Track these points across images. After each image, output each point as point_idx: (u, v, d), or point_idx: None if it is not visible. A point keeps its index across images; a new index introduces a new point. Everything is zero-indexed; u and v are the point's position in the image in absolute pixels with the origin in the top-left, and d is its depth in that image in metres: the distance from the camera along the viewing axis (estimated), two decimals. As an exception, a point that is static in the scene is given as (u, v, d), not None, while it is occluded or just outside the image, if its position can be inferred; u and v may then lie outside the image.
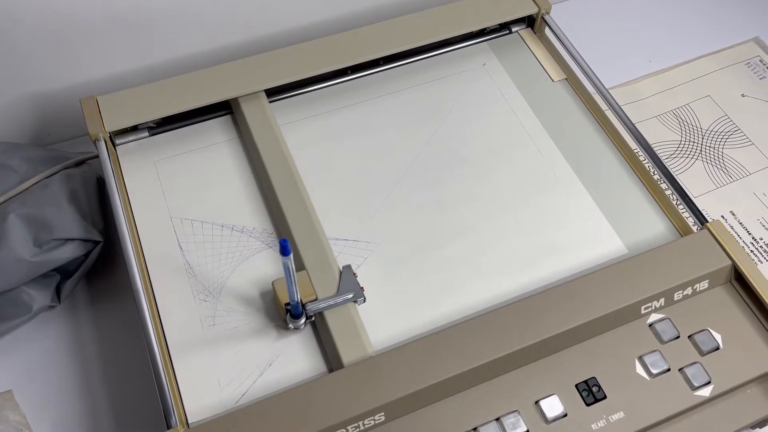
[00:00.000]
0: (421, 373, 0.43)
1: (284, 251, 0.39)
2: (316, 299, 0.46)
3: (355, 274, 0.47)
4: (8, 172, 0.54)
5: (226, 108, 0.57)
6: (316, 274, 0.47)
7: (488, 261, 0.50)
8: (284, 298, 0.45)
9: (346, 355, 0.44)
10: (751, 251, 0.61)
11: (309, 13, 0.68)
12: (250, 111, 0.55)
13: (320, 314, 0.46)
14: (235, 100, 0.56)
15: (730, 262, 0.48)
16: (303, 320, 0.45)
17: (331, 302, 0.46)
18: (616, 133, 0.56)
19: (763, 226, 0.62)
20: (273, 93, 0.58)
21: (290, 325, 0.46)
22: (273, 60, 0.57)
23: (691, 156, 0.67)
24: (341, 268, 0.48)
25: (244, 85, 0.56)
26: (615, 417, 0.43)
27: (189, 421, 0.42)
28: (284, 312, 0.45)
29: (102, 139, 0.53)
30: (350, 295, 0.46)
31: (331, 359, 0.45)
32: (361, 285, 0.47)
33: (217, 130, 0.56)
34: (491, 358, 0.43)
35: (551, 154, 0.55)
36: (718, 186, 0.64)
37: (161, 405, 0.42)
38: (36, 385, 0.52)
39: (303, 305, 0.45)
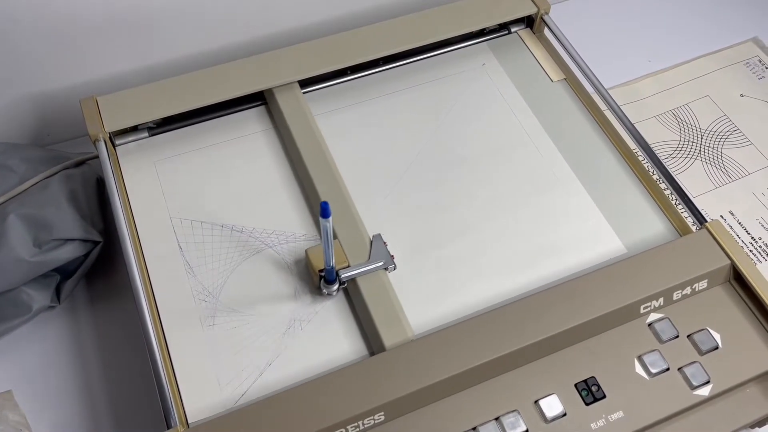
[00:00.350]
0: (421, 372, 0.43)
1: (324, 213, 0.40)
2: (348, 266, 0.47)
3: (385, 243, 0.49)
4: (8, 172, 0.54)
5: (226, 108, 0.57)
6: (348, 244, 0.49)
7: (488, 261, 0.50)
8: (318, 265, 0.47)
9: (381, 324, 0.45)
10: (750, 251, 0.61)
11: (308, 14, 0.68)
12: (284, 102, 0.56)
13: (353, 282, 0.47)
14: (270, 90, 0.57)
15: (728, 262, 0.48)
16: (336, 286, 0.47)
17: (363, 269, 0.47)
18: (615, 133, 0.56)
19: (762, 225, 0.62)
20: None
21: (324, 291, 0.47)
22: (273, 59, 0.58)
23: (690, 156, 0.67)
24: (371, 237, 0.49)
25: (244, 84, 0.56)
26: (614, 416, 0.43)
27: (189, 421, 0.42)
28: (318, 279, 0.47)
29: (102, 139, 0.53)
30: (381, 263, 0.48)
31: (366, 328, 0.46)
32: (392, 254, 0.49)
33: (220, 129, 0.56)
34: (491, 357, 0.43)
35: (550, 154, 0.55)
36: (717, 186, 0.65)
37: (161, 405, 0.42)
38: (36, 385, 0.52)
39: (336, 272, 0.47)
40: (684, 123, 0.69)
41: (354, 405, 0.41)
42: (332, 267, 0.46)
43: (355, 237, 0.49)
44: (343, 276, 0.47)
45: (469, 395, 0.43)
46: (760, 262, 0.60)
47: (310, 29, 0.69)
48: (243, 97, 0.57)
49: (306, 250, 0.48)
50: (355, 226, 0.50)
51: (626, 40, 0.76)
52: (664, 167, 0.54)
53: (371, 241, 0.49)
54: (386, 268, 0.48)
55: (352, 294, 0.48)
